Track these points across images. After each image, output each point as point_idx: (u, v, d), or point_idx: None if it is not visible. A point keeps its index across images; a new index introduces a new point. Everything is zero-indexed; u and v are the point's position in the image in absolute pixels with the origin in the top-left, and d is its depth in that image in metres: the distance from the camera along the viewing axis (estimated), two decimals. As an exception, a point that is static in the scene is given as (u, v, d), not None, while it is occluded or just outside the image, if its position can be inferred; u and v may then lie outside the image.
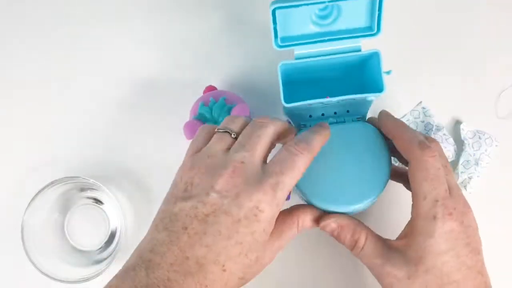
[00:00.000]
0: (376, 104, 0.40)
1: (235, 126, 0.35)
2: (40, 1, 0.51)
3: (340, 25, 0.38)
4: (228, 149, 0.34)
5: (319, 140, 0.35)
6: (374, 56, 0.38)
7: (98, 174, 0.46)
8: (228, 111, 0.43)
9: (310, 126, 0.39)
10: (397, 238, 0.36)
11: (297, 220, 0.35)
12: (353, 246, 0.36)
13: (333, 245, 0.44)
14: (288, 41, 0.38)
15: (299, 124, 0.41)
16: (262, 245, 0.32)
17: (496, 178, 0.46)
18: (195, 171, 0.33)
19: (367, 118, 0.41)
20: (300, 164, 0.33)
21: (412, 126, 0.47)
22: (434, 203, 0.33)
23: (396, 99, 0.47)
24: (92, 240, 0.47)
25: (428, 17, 0.50)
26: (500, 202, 0.46)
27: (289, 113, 0.40)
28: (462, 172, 0.46)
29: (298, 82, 0.40)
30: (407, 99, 0.48)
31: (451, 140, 0.46)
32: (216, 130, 0.35)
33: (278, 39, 0.38)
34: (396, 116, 0.39)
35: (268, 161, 0.34)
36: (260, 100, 0.47)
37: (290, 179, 0.32)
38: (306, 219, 0.36)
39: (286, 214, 0.35)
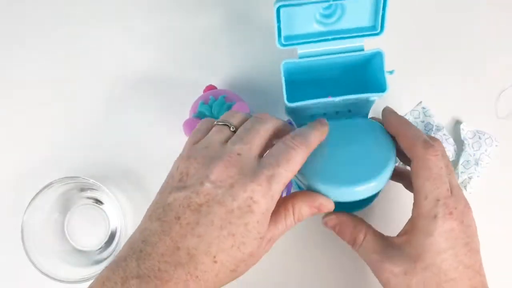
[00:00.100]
0: (377, 103, 0.40)
1: (234, 120, 0.35)
2: (40, 1, 0.51)
3: (344, 24, 0.38)
4: (226, 141, 0.34)
5: (316, 135, 0.34)
6: (377, 56, 0.38)
7: (98, 174, 0.46)
8: (228, 109, 0.43)
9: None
10: (398, 235, 0.36)
11: (292, 207, 0.34)
12: (353, 242, 0.37)
13: (333, 244, 0.45)
14: (291, 40, 0.38)
15: (300, 123, 0.41)
16: (256, 238, 0.31)
17: (496, 178, 0.46)
18: (191, 161, 0.32)
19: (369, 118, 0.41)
20: (297, 157, 0.32)
21: (412, 126, 0.47)
22: (435, 202, 0.33)
23: (396, 99, 0.47)
24: (92, 240, 0.47)
25: (428, 17, 0.50)
26: (500, 202, 0.46)
27: (291, 112, 0.40)
28: (462, 172, 0.46)
29: (300, 82, 0.40)
30: (407, 99, 0.48)
31: (451, 140, 0.46)
32: (215, 122, 0.35)
33: (282, 37, 0.37)
34: (397, 116, 0.39)
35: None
36: (261, 99, 0.48)
37: (286, 172, 0.32)
38: (303, 206, 0.34)
39: (280, 202, 0.34)
